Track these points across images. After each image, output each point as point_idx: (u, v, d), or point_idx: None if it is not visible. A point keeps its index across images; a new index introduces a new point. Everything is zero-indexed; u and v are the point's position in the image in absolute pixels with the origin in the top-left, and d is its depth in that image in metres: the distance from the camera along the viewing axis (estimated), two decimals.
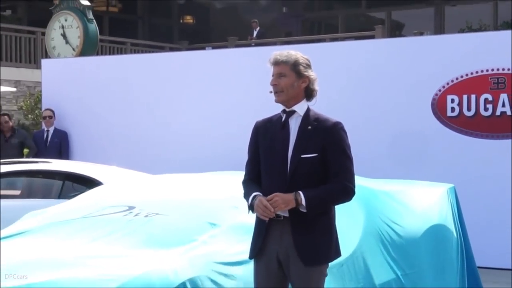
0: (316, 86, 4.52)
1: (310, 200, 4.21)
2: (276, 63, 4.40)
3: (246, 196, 4.44)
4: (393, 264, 6.28)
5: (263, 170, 4.44)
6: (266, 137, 4.44)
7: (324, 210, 4.32)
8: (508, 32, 10.05)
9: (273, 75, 4.43)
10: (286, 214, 4.32)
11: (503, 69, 9.67)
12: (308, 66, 4.49)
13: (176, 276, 4.63)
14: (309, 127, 4.37)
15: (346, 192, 4.33)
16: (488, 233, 9.47)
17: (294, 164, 4.29)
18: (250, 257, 4.49)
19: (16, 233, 5.81)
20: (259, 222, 4.43)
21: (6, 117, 13.16)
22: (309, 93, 4.49)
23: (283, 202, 4.18)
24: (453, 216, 7.17)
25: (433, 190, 7.26)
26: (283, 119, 4.43)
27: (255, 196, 4.33)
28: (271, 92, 4.43)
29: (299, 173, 4.30)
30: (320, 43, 11.32)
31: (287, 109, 4.44)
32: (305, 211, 4.22)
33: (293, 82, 4.41)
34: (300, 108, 4.44)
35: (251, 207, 4.36)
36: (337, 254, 4.50)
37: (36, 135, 13.33)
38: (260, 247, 4.40)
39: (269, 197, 4.20)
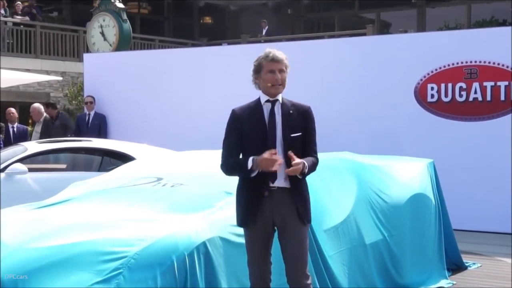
0: None
1: (308, 169, 4.36)
2: (279, 60, 4.39)
3: (238, 165, 4.36)
4: (381, 227, 6.28)
5: (253, 153, 4.33)
6: (251, 123, 4.40)
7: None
8: (478, 30, 10.01)
9: (271, 71, 4.38)
10: (285, 185, 4.35)
11: (475, 62, 9.61)
12: None
13: (197, 236, 4.65)
14: (291, 111, 4.40)
15: (317, 164, 4.49)
16: (464, 199, 9.47)
17: (287, 143, 4.34)
18: (244, 225, 4.43)
19: (62, 200, 5.84)
20: (251, 195, 4.37)
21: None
22: None
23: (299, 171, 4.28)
24: (432, 186, 7.16)
25: (415, 164, 7.25)
26: (269, 107, 4.41)
27: (253, 158, 4.27)
28: (270, 85, 4.38)
29: (291, 150, 4.30)
30: (319, 40, 11.28)
31: (272, 99, 4.42)
32: (300, 177, 4.34)
33: (286, 77, 4.44)
34: (279, 96, 4.45)
35: (252, 170, 4.27)
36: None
37: (79, 118, 13.36)
38: (254, 215, 4.36)
39: (297, 161, 4.24)
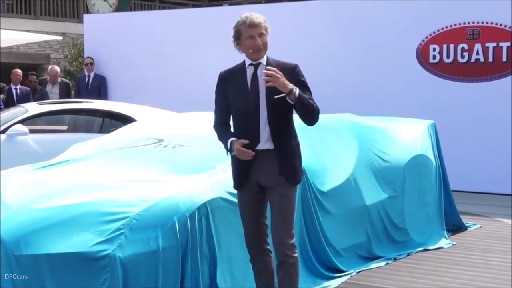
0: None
1: (301, 95, 4.15)
2: (257, 25, 4.28)
3: (222, 138, 4.40)
4: (381, 188, 6.30)
5: (236, 116, 4.34)
6: (234, 86, 4.36)
7: (304, 111, 4.23)
8: None
9: (251, 37, 4.28)
10: (268, 147, 4.27)
11: (478, 22, 9.54)
12: None
13: (199, 197, 4.66)
14: None
15: (318, 111, 4.29)
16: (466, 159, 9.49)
17: (271, 105, 4.22)
18: (236, 189, 4.44)
19: (63, 161, 5.85)
20: (238, 159, 4.31)
21: (34, 76, 13.97)
22: None
23: (282, 82, 4.09)
24: (432, 147, 7.17)
25: (416, 126, 7.24)
26: (252, 71, 4.33)
27: (231, 141, 4.29)
28: (251, 51, 4.28)
29: (274, 112, 4.24)
30: (321, 0, 11.18)
31: (254, 62, 4.33)
32: (292, 103, 4.16)
33: (267, 39, 4.32)
34: (263, 59, 4.33)
35: (230, 151, 4.31)
36: (302, 174, 4.49)
37: (79, 79, 13.36)
38: (243, 179, 4.35)
39: (271, 73, 4.07)
